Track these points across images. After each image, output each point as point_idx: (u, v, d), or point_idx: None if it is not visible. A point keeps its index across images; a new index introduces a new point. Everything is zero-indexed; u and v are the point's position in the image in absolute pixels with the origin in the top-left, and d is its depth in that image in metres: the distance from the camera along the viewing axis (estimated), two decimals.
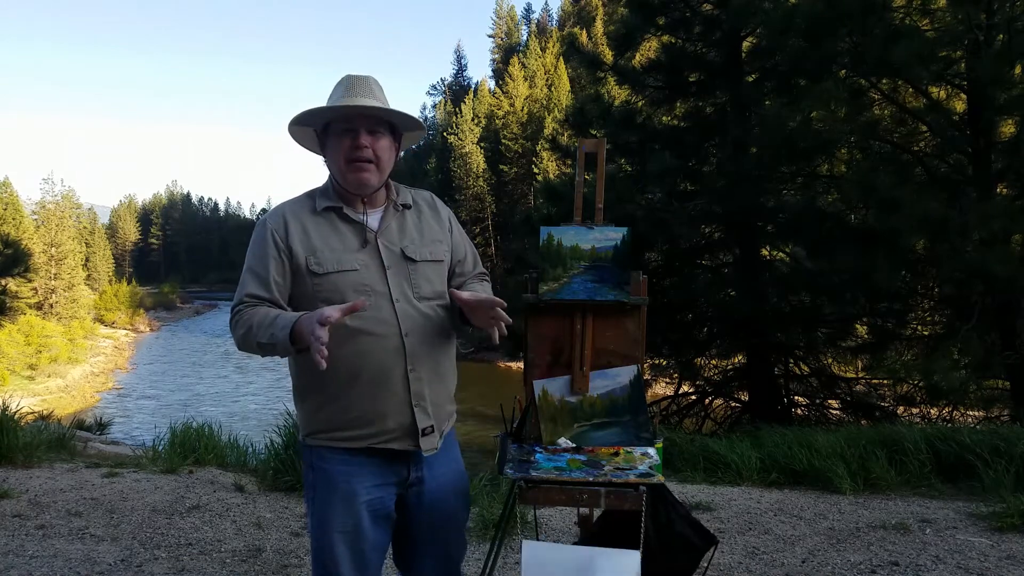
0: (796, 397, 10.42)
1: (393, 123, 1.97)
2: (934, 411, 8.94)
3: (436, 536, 2.04)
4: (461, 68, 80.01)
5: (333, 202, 1.95)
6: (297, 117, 1.95)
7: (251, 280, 1.91)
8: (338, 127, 1.91)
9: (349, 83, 1.93)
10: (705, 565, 2.19)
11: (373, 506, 1.92)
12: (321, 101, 1.97)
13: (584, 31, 51.26)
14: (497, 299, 1.85)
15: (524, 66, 58.68)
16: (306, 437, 1.98)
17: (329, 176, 2.00)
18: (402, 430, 1.91)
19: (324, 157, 1.99)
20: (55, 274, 53.00)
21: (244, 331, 1.85)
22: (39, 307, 48.02)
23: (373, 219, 1.96)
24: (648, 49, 11.93)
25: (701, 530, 2.13)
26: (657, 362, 10.80)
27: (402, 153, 2.08)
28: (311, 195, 1.99)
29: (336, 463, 1.92)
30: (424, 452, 1.94)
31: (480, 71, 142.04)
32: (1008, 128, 8.51)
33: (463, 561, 2.15)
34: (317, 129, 1.98)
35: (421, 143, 68.61)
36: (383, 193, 1.99)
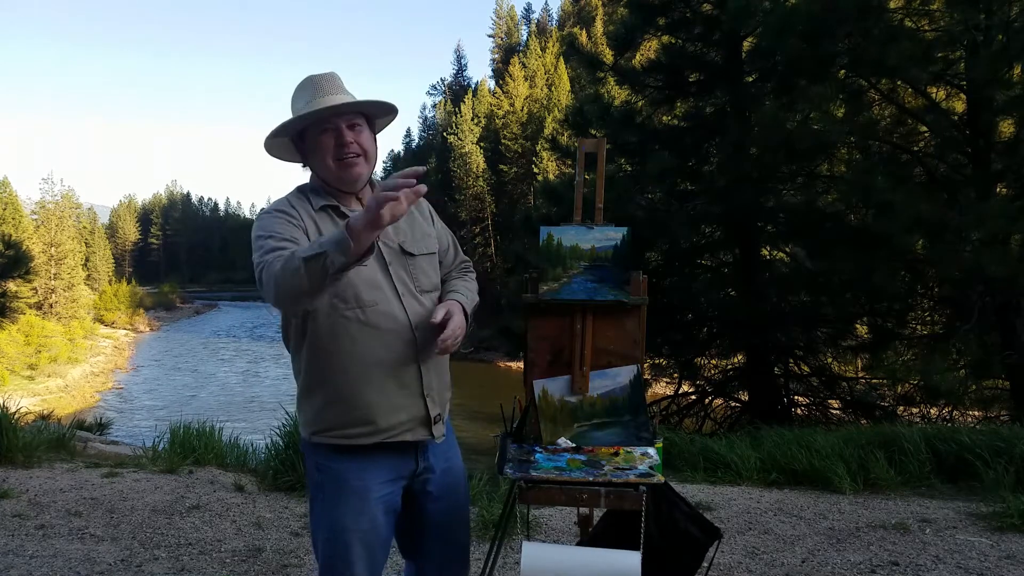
0: (796, 397, 10.42)
1: (366, 112, 1.96)
2: (934, 411, 8.94)
3: (446, 521, 2.06)
4: (461, 68, 79.84)
5: (328, 200, 1.94)
6: (276, 130, 1.93)
7: (273, 242, 1.79)
8: (316, 129, 1.90)
9: (316, 84, 1.92)
10: (706, 565, 2.19)
11: (385, 501, 1.93)
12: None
13: (584, 31, 51.22)
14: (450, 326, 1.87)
15: (524, 66, 58.60)
16: (312, 435, 1.95)
17: (314, 178, 1.98)
18: (416, 421, 1.93)
19: (306, 163, 1.98)
20: (55, 274, 52.98)
21: (280, 264, 1.66)
22: (39, 307, 47.98)
23: None
24: (648, 49, 11.93)
25: (704, 523, 2.13)
26: (657, 362, 10.79)
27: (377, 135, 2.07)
28: (303, 192, 1.97)
29: (346, 460, 1.90)
30: (436, 439, 1.97)
31: (480, 71, 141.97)
32: (1007, 128, 8.52)
33: (471, 544, 2.17)
34: (292, 137, 1.97)
35: (422, 143, 68.63)
36: (368, 190, 1.99)
